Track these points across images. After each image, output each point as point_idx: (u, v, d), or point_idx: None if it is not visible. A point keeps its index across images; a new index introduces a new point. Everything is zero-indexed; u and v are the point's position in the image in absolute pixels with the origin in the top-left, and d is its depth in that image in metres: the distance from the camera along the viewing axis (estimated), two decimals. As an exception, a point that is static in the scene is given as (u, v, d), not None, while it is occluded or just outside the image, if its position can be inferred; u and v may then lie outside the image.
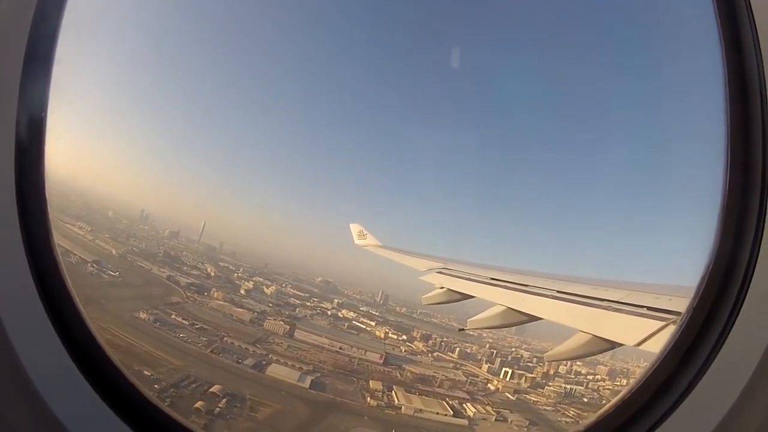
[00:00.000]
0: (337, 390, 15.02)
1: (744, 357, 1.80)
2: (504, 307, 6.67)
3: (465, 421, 14.84)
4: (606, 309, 5.67)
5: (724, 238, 1.90)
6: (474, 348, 18.94)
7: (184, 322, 15.95)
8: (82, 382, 1.86)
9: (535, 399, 17.24)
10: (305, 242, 29.27)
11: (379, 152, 34.14)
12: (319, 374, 15.58)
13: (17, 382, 1.74)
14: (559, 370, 18.50)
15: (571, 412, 16.56)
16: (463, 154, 24.94)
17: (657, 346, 4.41)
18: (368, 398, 14.94)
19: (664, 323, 4.65)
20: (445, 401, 15.59)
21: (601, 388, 17.98)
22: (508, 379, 17.93)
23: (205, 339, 15.62)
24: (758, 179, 1.86)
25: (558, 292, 6.62)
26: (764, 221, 1.85)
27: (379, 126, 31.89)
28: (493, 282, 7.68)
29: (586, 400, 17.49)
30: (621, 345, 5.23)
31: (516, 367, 18.37)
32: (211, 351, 15.19)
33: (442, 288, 8.32)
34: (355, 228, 13.30)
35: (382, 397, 15.16)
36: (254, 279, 19.64)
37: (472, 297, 7.70)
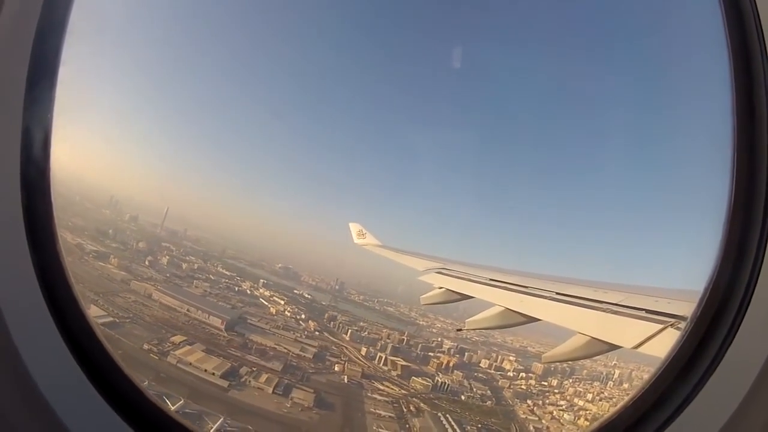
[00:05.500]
0: (129, 334, 15.08)
1: (746, 365, 1.81)
2: (502, 308, 6.66)
3: (226, 383, 14.33)
4: (605, 311, 5.68)
5: (728, 246, 1.90)
6: (383, 333, 17.93)
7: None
8: (85, 382, 1.85)
9: (380, 387, 15.68)
10: (302, 239, 29.24)
11: (380, 152, 34.20)
12: (127, 321, 15.55)
13: (19, 381, 1.74)
14: (480, 364, 16.85)
15: (413, 407, 15.05)
16: (465, 154, 24.97)
17: (654, 348, 4.43)
18: (147, 345, 14.88)
19: (662, 326, 4.65)
20: (234, 365, 15.07)
21: (511, 386, 16.24)
22: (380, 364, 16.51)
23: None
24: (763, 190, 1.87)
25: (557, 293, 6.62)
26: None
27: (379, 125, 31.89)
28: (492, 283, 7.67)
29: (463, 398, 15.71)
30: (619, 347, 5.23)
31: (410, 356, 16.93)
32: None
33: (441, 288, 8.32)
34: (354, 227, 13.21)
35: (167, 347, 14.99)
36: (185, 258, 19.43)
37: (471, 297, 7.70)
